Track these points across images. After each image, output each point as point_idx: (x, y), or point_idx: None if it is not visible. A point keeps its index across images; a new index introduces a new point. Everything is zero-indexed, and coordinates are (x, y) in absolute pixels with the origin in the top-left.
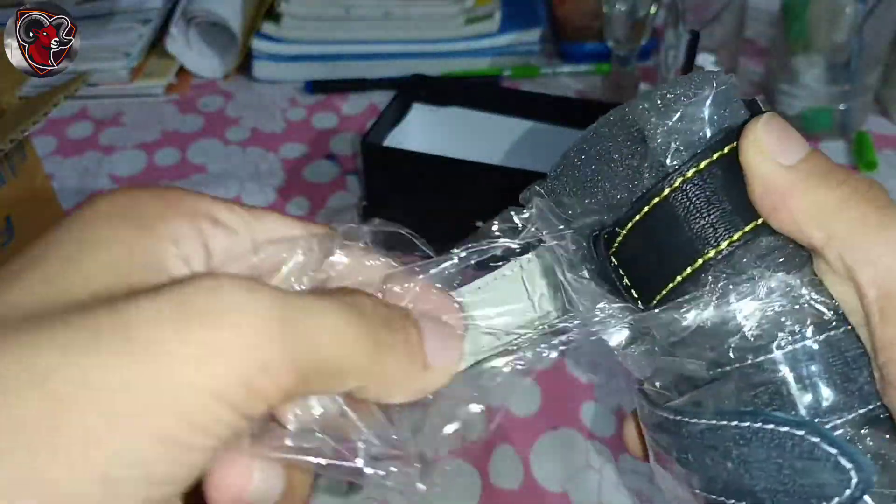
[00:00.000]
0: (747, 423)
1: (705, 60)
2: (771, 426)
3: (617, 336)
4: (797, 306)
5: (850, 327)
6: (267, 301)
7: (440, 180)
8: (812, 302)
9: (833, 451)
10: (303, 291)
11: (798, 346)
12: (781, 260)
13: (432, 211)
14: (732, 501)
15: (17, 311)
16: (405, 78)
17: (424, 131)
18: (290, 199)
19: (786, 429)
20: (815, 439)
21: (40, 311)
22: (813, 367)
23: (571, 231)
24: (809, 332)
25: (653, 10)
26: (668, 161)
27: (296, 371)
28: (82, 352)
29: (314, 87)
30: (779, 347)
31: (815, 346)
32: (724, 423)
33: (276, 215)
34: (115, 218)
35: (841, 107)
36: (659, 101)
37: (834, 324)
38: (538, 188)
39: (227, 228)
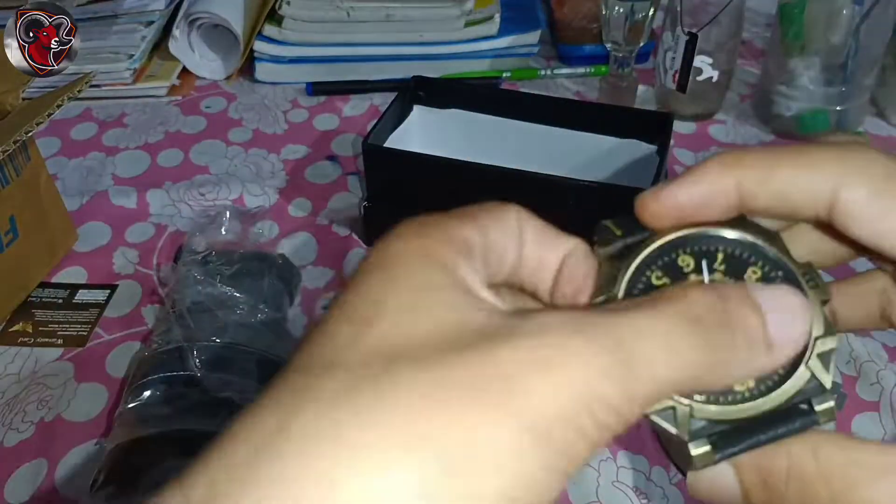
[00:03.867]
0: None
1: (702, 62)
2: None
3: None
4: None
5: None
6: (599, 340)
7: (441, 181)
8: None
9: None
10: (628, 306)
11: None
12: None
13: (433, 212)
14: None
15: (384, 353)
16: (406, 80)
17: (425, 133)
18: (291, 199)
19: None
20: None
21: (405, 354)
22: None
23: None
24: None
25: (650, 12)
26: None
27: (632, 401)
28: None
29: (316, 88)
30: None
31: None
32: None
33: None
34: (422, 259)
35: (838, 108)
36: None
37: None
38: None
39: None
